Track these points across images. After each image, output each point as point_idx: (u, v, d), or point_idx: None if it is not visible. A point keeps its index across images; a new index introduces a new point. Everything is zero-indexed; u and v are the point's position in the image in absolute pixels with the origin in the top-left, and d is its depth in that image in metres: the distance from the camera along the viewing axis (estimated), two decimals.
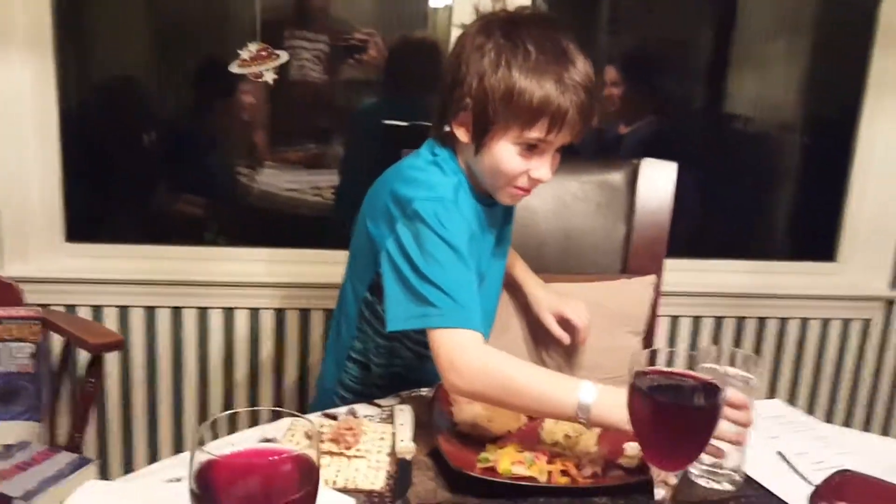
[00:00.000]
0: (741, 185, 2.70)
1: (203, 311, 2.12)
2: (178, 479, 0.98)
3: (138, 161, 2.38)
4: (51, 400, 1.86)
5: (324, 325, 2.16)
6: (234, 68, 1.95)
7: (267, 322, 2.15)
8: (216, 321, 2.13)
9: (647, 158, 1.85)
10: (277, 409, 1.19)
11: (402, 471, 1.05)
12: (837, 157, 2.48)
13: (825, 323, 2.42)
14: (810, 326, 2.41)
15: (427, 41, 2.26)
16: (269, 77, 1.94)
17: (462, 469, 1.00)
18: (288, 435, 1.08)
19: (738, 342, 2.38)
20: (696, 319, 2.34)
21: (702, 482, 1.04)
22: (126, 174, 2.37)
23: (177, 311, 2.11)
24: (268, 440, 1.04)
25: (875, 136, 2.37)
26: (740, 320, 2.37)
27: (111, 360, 2.09)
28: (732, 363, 1.04)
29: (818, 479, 1.05)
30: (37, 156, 1.99)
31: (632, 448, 1.07)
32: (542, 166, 1.22)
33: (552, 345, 1.56)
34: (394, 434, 1.13)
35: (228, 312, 2.14)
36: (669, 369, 0.88)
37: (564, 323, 1.51)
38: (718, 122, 2.88)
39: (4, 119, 1.92)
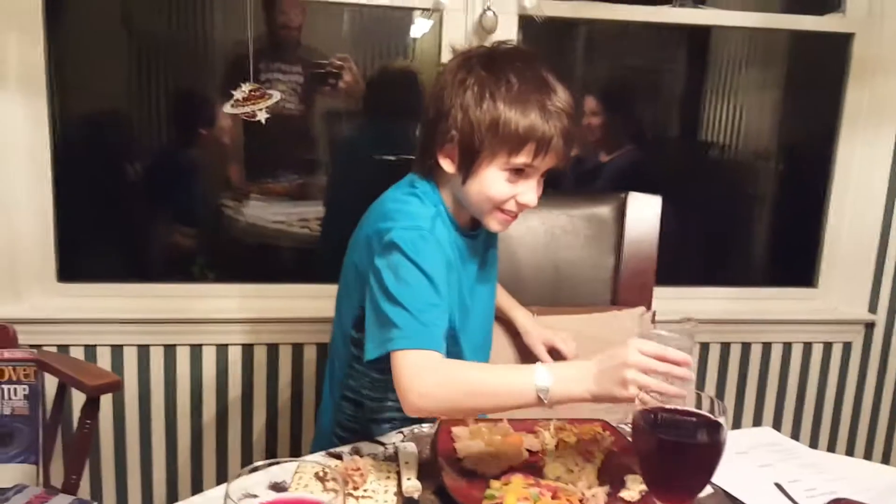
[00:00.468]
0: (720, 212, 2.75)
1: (196, 348, 2.13)
2: None
3: (127, 198, 2.40)
4: (46, 442, 1.85)
5: (317, 360, 2.18)
6: (228, 109, 1.98)
7: (260, 357, 2.16)
8: (209, 358, 2.14)
9: (633, 192, 1.90)
10: (295, 459, 1.20)
11: None
12: (814, 184, 2.54)
13: (807, 347, 2.47)
14: (793, 351, 2.46)
15: (408, 71, 2.30)
16: (262, 116, 1.97)
17: None
18: (296, 478, 1.09)
19: (723, 367, 2.42)
20: None
21: None
22: (115, 212, 2.38)
23: (170, 349, 2.12)
24: (277, 484, 1.05)
25: (851, 162, 2.44)
26: (725, 346, 2.41)
27: (105, 399, 2.08)
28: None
29: None
30: (30, 196, 2.00)
31: (633, 481, 1.10)
32: (528, 191, 1.27)
33: None
34: (399, 472, 1.15)
35: (222, 349, 2.14)
36: (672, 406, 0.92)
37: (554, 353, 1.56)
38: (696, 150, 2.93)
39: None
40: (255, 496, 0.77)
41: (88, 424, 1.74)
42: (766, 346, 2.44)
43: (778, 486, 1.17)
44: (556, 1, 2.13)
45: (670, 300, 2.31)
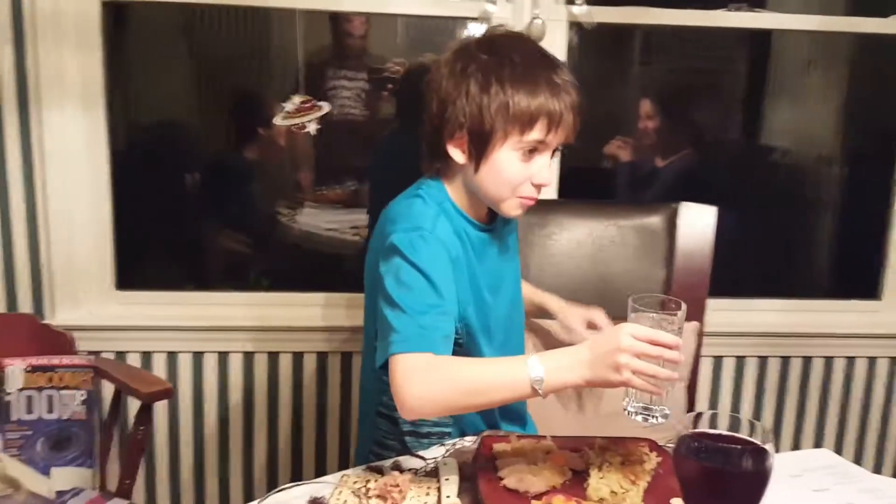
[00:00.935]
0: (780, 219, 2.68)
1: (249, 356, 2.16)
2: None
3: (183, 207, 2.46)
4: (102, 446, 1.90)
5: None
6: (279, 121, 2.02)
7: (310, 366, 2.18)
8: (260, 365, 2.17)
9: (685, 202, 1.86)
10: (343, 472, 1.21)
11: None
12: (879, 190, 2.44)
13: (871, 363, 2.37)
14: (856, 366, 2.37)
15: None
16: (312, 128, 2.00)
17: None
18: (336, 493, 1.10)
19: (783, 383, 2.35)
20: (740, 359, 2.31)
21: (639, 419, 1.12)
22: (171, 221, 2.44)
23: (223, 356, 2.15)
24: (317, 500, 1.06)
25: None
26: (785, 360, 2.34)
27: (160, 405, 2.13)
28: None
29: None
30: (89, 205, 2.06)
31: None
32: (542, 169, 1.25)
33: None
34: (439, 489, 1.14)
35: (273, 356, 2.17)
36: (715, 431, 0.89)
37: (593, 328, 1.53)
38: (755, 154, 2.86)
39: (59, 171, 1.99)
40: None
41: (142, 430, 1.78)
42: (828, 362, 2.36)
43: None
44: (607, 7, 2.09)
45: (725, 312, 2.27)
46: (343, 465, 2.20)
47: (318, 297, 2.23)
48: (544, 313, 1.61)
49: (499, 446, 1.24)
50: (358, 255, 2.36)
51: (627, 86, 2.74)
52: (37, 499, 1.62)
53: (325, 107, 2.03)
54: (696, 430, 0.87)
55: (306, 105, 2.01)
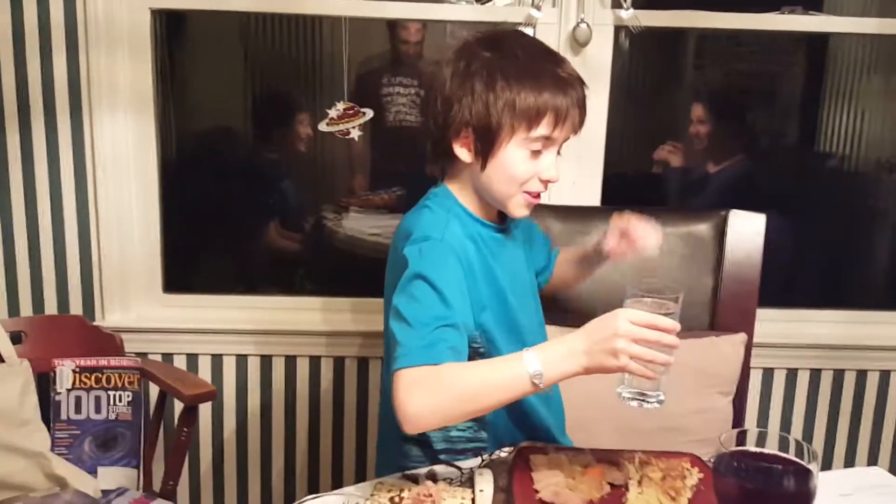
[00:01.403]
0: (836, 226, 2.60)
1: (291, 359, 2.18)
2: None
3: (230, 211, 2.49)
4: (147, 447, 1.94)
5: None
6: (323, 127, 2.03)
7: (351, 370, 2.19)
8: (302, 369, 2.18)
9: (734, 210, 1.81)
10: (378, 480, 1.21)
11: None
12: None
13: None
14: None
15: None
16: (356, 134, 2.00)
17: None
18: (370, 501, 1.09)
19: (836, 397, 2.27)
20: (791, 372, 2.24)
21: (633, 404, 1.11)
22: (218, 225, 2.48)
23: (266, 359, 2.17)
24: None
25: None
26: (838, 373, 2.26)
27: (205, 407, 2.16)
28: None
29: None
30: (138, 209, 2.10)
31: None
32: (549, 166, 1.24)
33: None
34: (473, 500, 1.13)
35: (314, 360, 2.18)
36: (758, 450, 0.85)
37: (626, 237, 1.43)
38: (812, 160, 2.79)
39: (110, 175, 2.03)
40: None
41: (185, 432, 1.81)
42: (884, 375, 2.27)
43: None
44: (655, 11, 2.05)
45: (777, 323, 2.20)
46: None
47: (361, 302, 2.23)
48: (588, 261, 1.53)
49: (536, 458, 1.22)
50: None
51: (679, 89, 2.70)
52: (83, 498, 1.65)
53: (369, 112, 2.04)
54: (738, 449, 0.84)
55: (350, 111, 2.01)
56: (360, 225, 2.47)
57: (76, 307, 2.10)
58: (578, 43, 1.99)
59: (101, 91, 1.98)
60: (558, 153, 1.27)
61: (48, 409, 1.86)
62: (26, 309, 2.09)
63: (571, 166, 2.04)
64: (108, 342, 1.97)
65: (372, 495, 1.13)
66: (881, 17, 2.15)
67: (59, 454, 1.83)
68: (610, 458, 1.23)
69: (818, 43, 2.64)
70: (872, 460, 2.30)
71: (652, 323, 1.03)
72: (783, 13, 2.14)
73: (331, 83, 2.26)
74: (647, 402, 1.11)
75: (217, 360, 2.17)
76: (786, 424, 2.28)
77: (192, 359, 2.16)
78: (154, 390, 1.98)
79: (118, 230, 2.07)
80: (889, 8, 2.21)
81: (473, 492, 1.15)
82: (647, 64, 2.50)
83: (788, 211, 2.48)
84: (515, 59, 1.21)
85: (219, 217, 2.47)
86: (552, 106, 1.19)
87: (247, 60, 2.56)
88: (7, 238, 2.05)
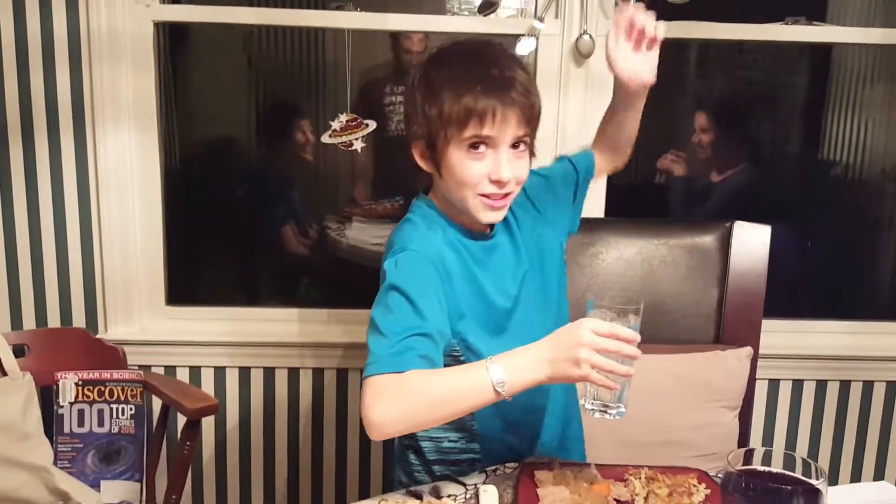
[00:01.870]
0: (842, 236, 2.59)
1: (294, 371, 2.17)
2: None
3: (233, 222, 2.49)
4: (150, 460, 1.93)
5: None
6: (326, 139, 2.03)
7: (354, 382, 2.18)
8: (305, 381, 2.18)
9: (739, 221, 1.80)
10: (382, 497, 1.20)
11: None
12: None
13: None
14: None
15: None
16: (359, 146, 2.00)
17: None
18: None
19: (842, 409, 2.25)
20: (797, 383, 2.23)
21: (596, 415, 1.13)
22: (222, 236, 2.48)
23: (269, 371, 2.17)
24: None
25: None
26: (844, 384, 2.25)
27: (207, 419, 2.15)
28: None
29: None
30: (141, 222, 2.10)
31: None
32: (497, 165, 1.23)
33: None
34: None
35: (318, 372, 2.17)
36: (766, 469, 0.84)
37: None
38: (816, 168, 2.78)
39: (113, 188, 2.03)
40: None
41: (188, 446, 1.80)
42: (891, 386, 2.25)
43: None
44: (659, 21, 2.04)
45: (783, 333, 2.19)
46: (387, 481, 2.19)
47: (364, 313, 2.21)
48: (623, 105, 1.47)
49: (540, 474, 1.21)
50: None
51: (681, 98, 2.69)
52: None
53: (372, 124, 2.04)
54: (746, 468, 0.83)
55: (353, 123, 2.01)
56: (363, 235, 2.46)
57: (79, 320, 2.09)
58: (581, 54, 1.99)
59: (104, 104, 1.98)
60: (531, 154, 1.28)
61: (51, 422, 1.86)
62: (29, 322, 2.08)
63: None
64: (111, 355, 1.96)
65: None
66: (885, 28, 2.15)
67: (62, 468, 1.82)
68: (616, 474, 1.22)
69: (822, 52, 2.64)
70: (879, 470, 2.29)
71: (614, 333, 1.05)
72: (787, 24, 2.13)
73: (334, 94, 2.27)
74: (608, 413, 1.13)
75: (220, 372, 2.16)
76: (792, 435, 2.26)
77: (195, 371, 2.15)
78: (157, 403, 1.97)
79: (121, 242, 2.07)
80: (892, 18, 2.21)
81: None
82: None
83: (792, 220, 2.47)
84: (448, 67, 1.25)
85: (222, 228, 2.47)
86: (472, 108, 1.20)
87: (250, 71, 2.56)
88: (10, 251, 2.05)
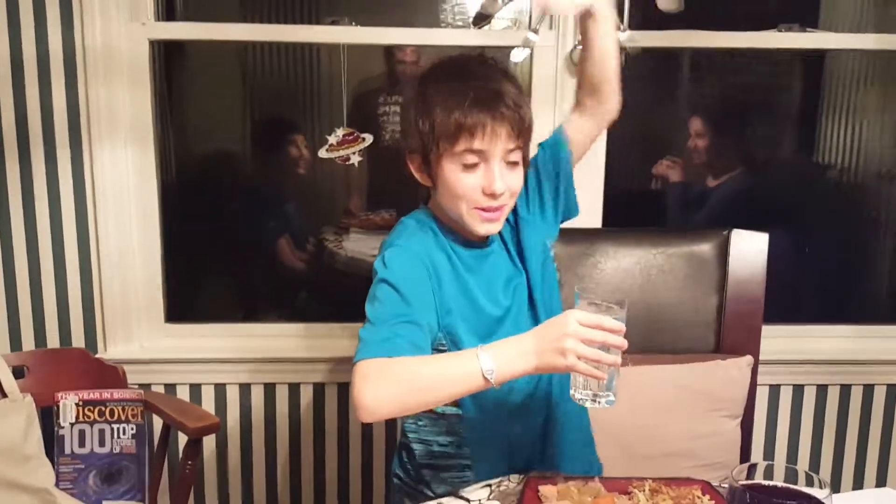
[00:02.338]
0: (839, 240, 2.59)
1: (294, 387, 2.16)
2: None
3: (231, 238, 2.49)
4: (152, 480, 1.92)
5: None
6: (323, 153, 2.03)
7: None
8: (306, 396, 2.17)
9: (737, 229, 1.80)
10: None
11: None
12: None
13: None
14: None
15: None
16: (356, 160, 2.01)
17: None
18: None
19: (843, 413, 2.25)
20: (798, 388, 2.23)
21: (587, 404, 1.14)
22: (220, 252, 2.47)
23: (269, 387, 2.16)
24: None
25: None
26: (845, 388, 2.25)
27: (208, 436, 2.14)
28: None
29: None
30: (139, 239, 2.09)
31: None
32: (491, 179, 1.25)
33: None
34: None
35: (318, 387, 2.17)
36: (771, 483, 0.84)
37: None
38: (812, 172, 2.78)
39: (111, 206, 2.03)
40: None
41: (190, 465, 1.79)
42: (891, 389, 2.25)
43: None
44: (653, 31, 2.06)
45: (782, 339, 2.19)
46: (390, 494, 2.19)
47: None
48: (586, 36, 1.38)
49: (544, 488, 1.21)
50: None
51: (676, 104, 2.70)
52: None
53: (369, 138, 2.04)
54: (751, 482, 0.83)
55: (349, 137, 2.02)
56: (361, 246, 2.46)
57: (78, 340, 2.09)
58: (576, 65, 1.99)
59: (100, 121, 1.98)
60: (525, 166, 1.31)
61: (52, 443, 1.85)
62: (28, 343, 2.08)
63: None
64: (111, 374, 1.96)
65: None
66: (878, 33, 2.16)
67: (63, 489, 1.82)
68: (620, 487, 1.22)
69: (815, 57, 2.65)
70: (882, 474, 2.29)
71: (599, 323, 1.07)
72: (780, 31, 2.14)
73: (329, 108, 2.27)
74: (598, 401, 1.14)
75: (220, 389, 2.15)
76: (793, 440, 2.26)
77: (196, 389, 2.15)
78: (158, 422, 1.97)
79: (119, 260, 2.06)
80: (885, 23, 2.22)
81: None
82: (645, 78, 2.50)
83: (789, 224, 2.48)
84: (437, 82, 1.27)
85: (220, 244, 2.47)
86: (461, 123, 1.23)
87: (245, 87, 2.57)
88: (8, 271, 2.05)
